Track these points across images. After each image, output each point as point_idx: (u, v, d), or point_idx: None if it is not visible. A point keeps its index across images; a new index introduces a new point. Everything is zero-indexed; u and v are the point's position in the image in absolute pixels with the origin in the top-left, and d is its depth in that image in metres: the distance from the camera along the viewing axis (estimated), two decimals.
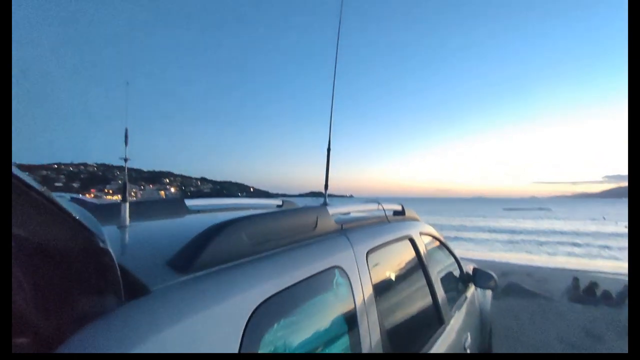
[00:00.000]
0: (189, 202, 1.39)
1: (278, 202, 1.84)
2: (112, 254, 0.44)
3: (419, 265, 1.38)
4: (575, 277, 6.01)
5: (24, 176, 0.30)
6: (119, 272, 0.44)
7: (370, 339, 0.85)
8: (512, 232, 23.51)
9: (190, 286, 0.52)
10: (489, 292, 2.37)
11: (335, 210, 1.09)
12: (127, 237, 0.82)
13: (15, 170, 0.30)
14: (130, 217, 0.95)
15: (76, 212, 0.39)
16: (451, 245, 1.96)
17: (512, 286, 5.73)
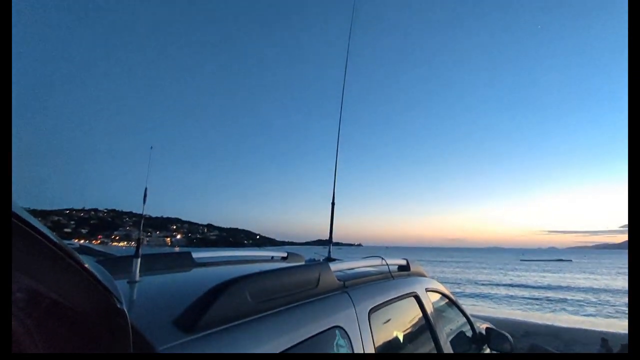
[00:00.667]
0: (196, 255, 1.41)
1: (283, 254, 1.84)
2: (127, 316, 0.45)
3: (426, 324, 1.33)
4: (603, 339, 5.48)
5: (47, 231, 0.31)
6: (131, 334, 0.45)
7: None
8: (533, 287, 21.98)
9: (195, 346, 0.54)
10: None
11: (338, 266, 1.09)
12: (137, 292, 0.85)
13: (38, 225, 0.31)
14: (140, 270, 0.99)
15: (96, 270, 0.40)
16: (462, 302, 1.89)
17: (535, 348, 5.23)
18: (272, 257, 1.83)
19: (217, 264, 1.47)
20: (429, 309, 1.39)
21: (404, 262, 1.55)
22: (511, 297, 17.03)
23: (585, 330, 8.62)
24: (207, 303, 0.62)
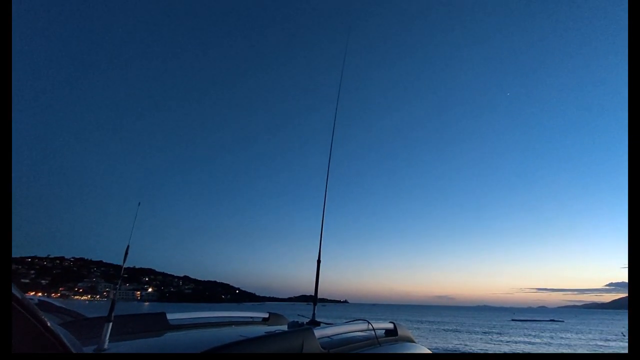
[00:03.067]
0: (170, 316, 1.33)
1: (264, 314, 1.71)
2: None
3: None
4: None
5: (32, 306, 0.31)
6: None
7: None
8: (530, 350, 20.74)
9: None
10: None
11: (322, 332, 1.03)
12: None
13: (21, 297, 0.31)
14: (110, 335, 0.88)
15: (69, 342, 0.39)
16: None
17: None
18: (252, 319, 1.70)
19: (192, 327, 1.41)
20: None
21: (391, 326, 1.46)
22: None
23: None
24: None
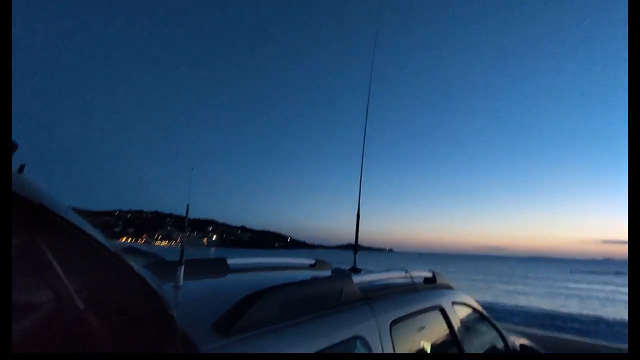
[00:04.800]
0: (230, 261, 1.54)
1: (311, 261, 1.93)
2: (177, 321, 0.55)
3: (451, 338, 1.30)
4: None
5: (118, 249, 0.38)
6: (179, 337, 0.56)
7: None
8: (584, 297, 19.94)
9: (230, 349, 0.63)
10: None
11: (361, 279, 1.11)
12: (181, 297, 0.95)
13: (101, 237, 0.38)
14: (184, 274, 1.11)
15: (148, 278, 0.49)
16: (493, 317, 1.75)
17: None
18: (301, 264, 1.91)
19: (249, 270, 1.59)
20: (456, 322, 1.36)
21: (429, 275, 1.53)
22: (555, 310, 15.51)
23: None
24: (241, 310, 0.71)
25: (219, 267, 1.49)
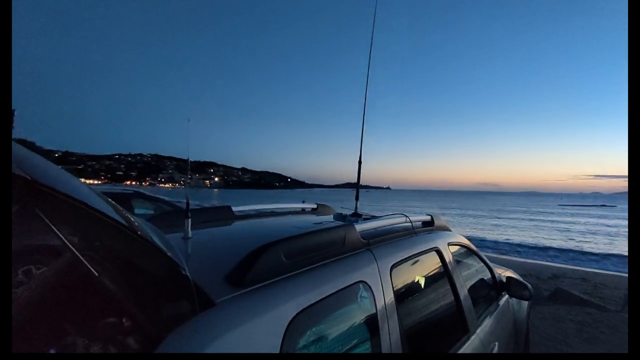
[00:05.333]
0: (235, 208, 1.60)
1: (313, 205, 2.03)
2: (191, 280, 0.60)
3: (445, 276, 1.40)
4: None
5: (129, 217, 0.43)
6: (195, 292, 0.61)
7: (392, 349, 0.94)
8: (566, 230, 21.37)
9: (243, 300, 0.66)
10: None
11: (363, 226, 1.17)
12: (191, 249, 0.99)
13: (114, 212, 0.43)
14: (192, 223, 1.11)
15: (165, 246, 0.56)
16: (483, 253, 1.93)
17: (560, 292, 5.30)
18: (303, 210, 2.00)
19: (253, 217, 1.64)
20: (450, 261, 1.45)
21: (428, 218, 1.59)
22: (539, 239, 16.69)
23: (617, 275, 8.51)
24: (251, 262, 0.74)
25: (224, 214, 1.53)
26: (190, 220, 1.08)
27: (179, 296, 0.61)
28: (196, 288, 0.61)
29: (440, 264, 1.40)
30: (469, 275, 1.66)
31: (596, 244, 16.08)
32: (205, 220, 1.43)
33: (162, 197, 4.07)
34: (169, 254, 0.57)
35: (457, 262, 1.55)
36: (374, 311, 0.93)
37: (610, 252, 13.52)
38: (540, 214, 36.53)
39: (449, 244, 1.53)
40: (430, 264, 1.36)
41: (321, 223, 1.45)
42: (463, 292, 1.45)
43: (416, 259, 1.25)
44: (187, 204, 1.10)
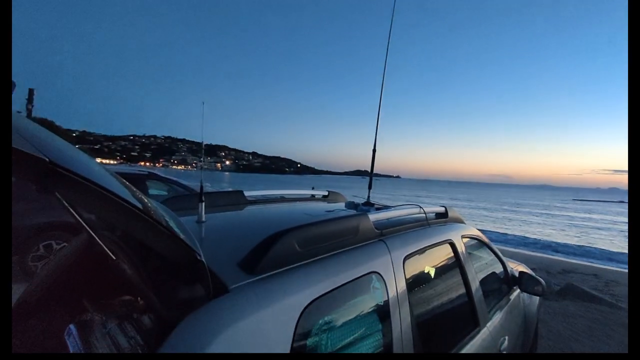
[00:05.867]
0: (247, 193, 1.60)
1: (324, 192, 2.02)
2: (206, 265, 0.61)
3: (458, 268, 1.38)
4: None
5: (145, 200, 0.44)
6: (209, 278, 0.61)
7: (403, 340, 0.94)
8: (579, 225, 20.82)
9: (256, 287, 0.66)
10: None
11: (376, 216, 1.15)
12: (205, 233, 1.00)
13: (140, 202, 0.47)
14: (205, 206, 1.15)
15: (180, 230, 0.56)
16: (495, 246, 1.90)
17: (571, 287, 5.20)
18: (314, 196, 1.98)
19: (265, 202, 1.64)
20: (463, 254, 1.42)
21: (442, 210, 1.56)
22: (553, 233, 16.34)
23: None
24: (265, 249, 0.74)
25: (236, 199, 1.55)
26: (204, 204, 1.09)
27: (194, 281, 0.62)
28: (210, 273, 0.62)
29: (454, 256, 1.38)
30: (481, 268, 1.64)
31: (610, 240, 15.67)
32: (218, 204, 1.45)
33: (175, 179, 4.14)
34: (183, 238, 0.57)
35: (470, 254, 1.52)
36: (386, 302, 0.93)
37: (624, 250, 13.17)
38: (553, 208, 35.61)
39: (463, 237, 1.50)
40: (443, 256, 1.34)
41: (333, 211, 1.45)
42: (475, 285, 1.43)
43: (429, 250, 1.23)
44: (201, 187, 1.13)
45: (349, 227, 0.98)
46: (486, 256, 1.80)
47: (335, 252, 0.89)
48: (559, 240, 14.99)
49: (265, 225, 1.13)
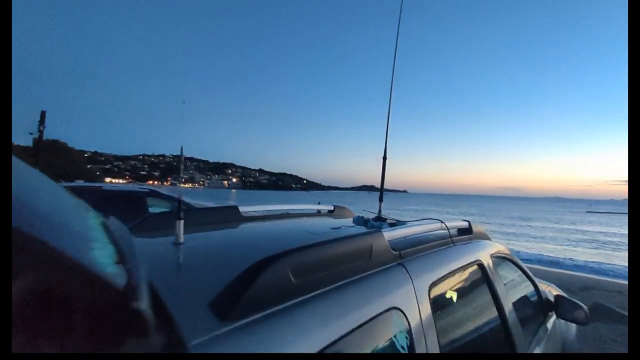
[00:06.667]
0: (243, 209, 1.39)
1: (329, 207, 1.79)
2: (147, 317, 0.37)
3: (491, 296, 1.15)
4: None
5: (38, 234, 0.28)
6: (156, 330, 0.37)
7: None
8: (595, 240, 20.04)
9: (231, 340, 0.44)
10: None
11: (392, 234, 0.91)
12: (177, 259, 0.78)
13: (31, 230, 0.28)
14: (190, 224, 1.00)
15: (126, 260, 0.37)
16: (525, 266, 1.67)
17: (599, 307, 4.85)
18: (319, 211, 1.77)
19: (262, 219, 1.43)
20: (494, 278, 1.20)
21: (465, 225, 1.34)
22: (568, 246, 15.72)
23: None
24: (245, 284, 0.52)
25: (229, 216, 1.33)
26: (182, 222, 0.89)
27: (127, 336, 0.38)
28: (162, 322, 0.39)
29: (485, 281, 1.16)
30: (514, 295, 1.39)
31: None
32: (206, 222, 1.22)
33: (176, 196, 4.02)
34: (113, 281, 0.35)
35: (501, 278, 1.29)
36: (411, 346, 0.70)
37: None
38: (566, 222, 34.54)
39: (492, 256, 1.28)
40: (473, 282, 1.12)
41: (340, 228, 1.20)
42: (512, 315, 1.20)
43: (457, 275, 1.01)
44: (179, 202, 0.92)
45: (360, 248, 0.75)
46: (516, 277, 1.55)
47: (342, 282, 0.66)
48: (576, 257, 14.36)
49: (256, 247, 0.92)
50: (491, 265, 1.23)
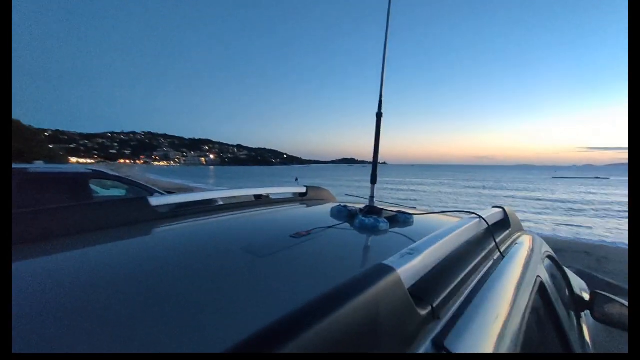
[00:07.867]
0: (157, 201, 0.89)
1: (301, 189, 1.38)
2: None
3: (551, 319, 0.77)
4: None
5: None
6: None
7: None
8: (563, 201, 21.38)
9: None
10: None
11: (406, 267, 0.42)
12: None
13: None
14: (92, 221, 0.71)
15: None
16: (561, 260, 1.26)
17: (581, 275, 4.99)
18: (283, 197, 1.33)
19: (184, 218, 0.89)
20: (554, 294, 0.83)
21: (499, 215, 0.94)
22: (539, 211, 16.64)
23: (621, 249, 8.39)
24: None
25: (134, 212, 0.84)
26: None
27: None
28: None
29: (544, 302, 0.74)
30: (562, 305, 0.95)
31: (591, 216, 16.05)
32: (113, 218, 0.77)
33: (124, 176, 3.48)
34: None
35: (553, 285, 0.89)
36: None
37: (607, 225, 13.47)
38: (534, 186, 36.56)
39: (542, 261, 0.89)
40: (534, 307, 0.63)
41: (305, 237, 0.68)
42: (573, 334, 0.90)
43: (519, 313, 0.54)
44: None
45: (367, 283, 0.35)
46: (559, 279, 1.13)
47: None
48: (543, 216, 15.23)
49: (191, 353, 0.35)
50: (547, 276, 0.84)
